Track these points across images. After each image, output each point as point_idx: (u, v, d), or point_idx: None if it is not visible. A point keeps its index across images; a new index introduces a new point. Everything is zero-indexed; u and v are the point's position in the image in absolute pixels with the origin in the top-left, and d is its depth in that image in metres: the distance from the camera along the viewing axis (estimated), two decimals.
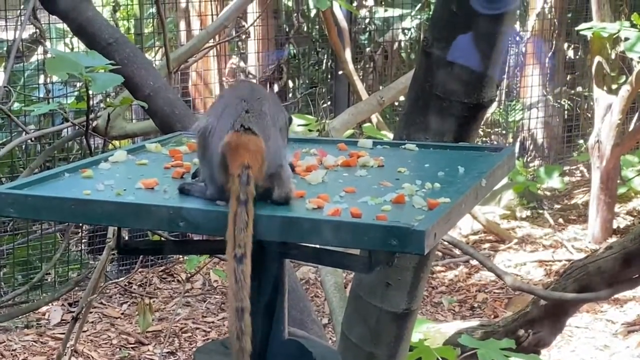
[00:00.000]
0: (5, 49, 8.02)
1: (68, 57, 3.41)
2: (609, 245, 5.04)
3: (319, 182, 2.60)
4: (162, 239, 3.68)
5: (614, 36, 8.12)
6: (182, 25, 8.53)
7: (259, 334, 2.58)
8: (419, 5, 9.86)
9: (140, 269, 7.97)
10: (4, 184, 2.52)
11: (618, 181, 8.61)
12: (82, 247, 8.32)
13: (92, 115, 6.58)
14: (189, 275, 7.57)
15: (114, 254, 7.61)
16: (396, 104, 8.67)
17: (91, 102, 7.76)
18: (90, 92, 3.50)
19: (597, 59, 8.30)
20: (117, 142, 7.12)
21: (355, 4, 8.81)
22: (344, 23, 7.75)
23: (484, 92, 3.18)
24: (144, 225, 2.49)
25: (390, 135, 7.18)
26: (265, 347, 2.62)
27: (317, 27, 9.62)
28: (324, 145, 3.02)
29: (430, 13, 9.88)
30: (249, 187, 2.21)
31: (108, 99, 7.75)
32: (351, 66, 7.73)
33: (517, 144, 9.91)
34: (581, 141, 10.19)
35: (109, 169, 2.74)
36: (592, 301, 6.05)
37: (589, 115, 10.22)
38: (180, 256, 8.12)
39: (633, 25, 7.56)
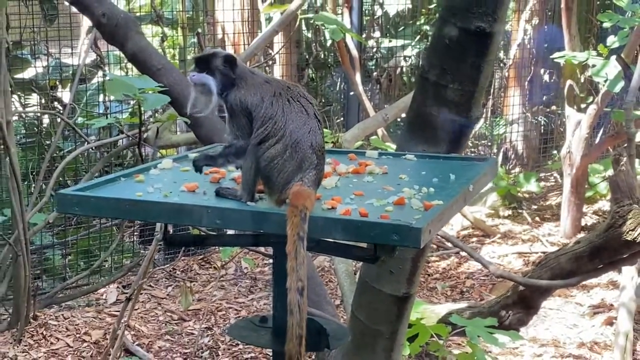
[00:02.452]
0: (70, 72, 8.05)
1: (124, 81, 3.44)
2: (577, 240, 5.02)
3: (333, 186, 2.63)
4: (201, 233, 3.71)
5: (583, 63, 8.11)
6: None
7: (284, 314, 2.59)
8: (417, 37, 9.85)
9: (182, 258, 7.99)
10: (70, 187, 2.54)
11: (586, 186, 8.57)
12: (134, 238, 8.34)
13: (143, 129, 6.61)
14: (223, 263, 7.62)
15: (160, 245, 7.65)
16: (398, 120, 8.65)
17: (143, 118, 7.81)
18: (142, 109, 3.52)
19: (569, 82, 8.28)
20: (164, 151, 7.16)
21: (364, 35, 8.81)
22: (354, 51, 7.74)
23: (472, 111, 3.19)
24: (186, 222, 2.51)
25: (394, 146, 7.19)
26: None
27: (332, 54, 9.61)
28: (337, 155, 3.04)
29: (427, 44, 9.88)
30: (305, 226, 2.25)
31: (157, 115, 7.78)
32: (361, 88, 7.73)
33: (501, 154, 9.90)
34: (555, 151, 10.16)
35: (157, 175, 2.79)
36: (563, 287, 6.02)
37: (562, 130, 10.19)
38: (216, 247, 8.14)
39: (599, 54, 7.54)
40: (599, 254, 4.77)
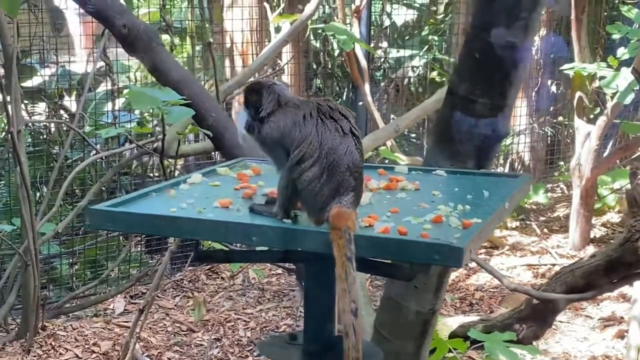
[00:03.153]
0: (76, 81, 8.04)
1: (147, 93, 3.41)
2: (593, 254, 4.99)
3: (367, 203, 2.60)
4: (227, 248, 3.69)
5: (592, 75, 8.12)
6: (227, 62, 8.52)
7: (316, 331, 2.58)
8: (425, 47, 9.84)
9: (190, 268, 7.96)
10: (102, 203, 2.52)
11: (595, 198, 8.56)
12: (141, 248, 8.31)
13: (153, 138, 6.60)
14: (232, 273, 7.60)
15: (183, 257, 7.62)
16: (406, 132, 8.65)
17: (160, 128, 7.79)
18: (153, 120, 3.50)
19: (578, 93, 8.26)
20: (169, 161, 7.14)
21: (372, 45, 8.79)
22: (363, 62, 7.74)
23: (500, 126, 3.17)
24: (222, 239, 2.51)
25: (403, 157, 7.17)
26: (320, 342, 2.62)
27: (340, 65, 9.60)
28: (366, 171, 3.01)
29: (435, 54, 9.88)
30: (352, 247, 2.22)
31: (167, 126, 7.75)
32: (370, 98, 7.72)
33: (508, 165, 9.88)
34: (562, 162, 10.15)
35: (188, 190, 2.76)
36: (577, 301, 6.00)
37: (569, 141, 10.19)
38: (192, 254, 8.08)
39: (609, 66, 7.54)
40: (615, 268, 4.75)
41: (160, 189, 2.73)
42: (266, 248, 2.80)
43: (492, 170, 3.24)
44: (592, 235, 8.54)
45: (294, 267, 4.12)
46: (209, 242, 2.86)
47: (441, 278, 3.40)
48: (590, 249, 8.28)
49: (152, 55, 3.93)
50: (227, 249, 3.67)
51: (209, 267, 8.10)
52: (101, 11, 3.91)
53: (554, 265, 8.00)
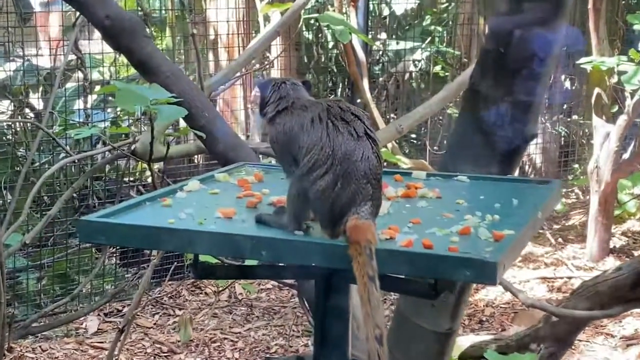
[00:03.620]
0: (44, 76, 7.98)
1: (135, 91, 3.38)
2: (618, 267, 5.00)
3: (385, 213, 2.59)
4: (221, 263, 3.66)
5: (610, 70, 8.14)
6: (211, 56, 8.50)
7: (328, 356, 2.56)
8: (428, 39, 9.84)
9: (170, 282, 7.92)
10: (93, 213, 2.49)
11: (614, 204, 8.57)
12: (116, 261, 8.26)
13: (129, 140, 6.56)
14: (218, 288, 7.55)
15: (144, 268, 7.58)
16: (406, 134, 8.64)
17: (137, 129, 7.76)
18: (129, 119, 3.47)
19: (597, 90, 8.27)
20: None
21: (369, 36, 8.78)
22: (362, 55, 7.71)
23: (527, 128, 3.17)
24: (226, 253, 2.49)
25: (405, 160, 7.15)
26: None
27: (335, 58, 9.60)
28: (382, 177, 3.00)
29: (439, 46, 9.87)
30: (374, 263, 2.20)
31: (136, 124, 7.72)
32: (368, 95, 7.70)
33: (518, 168, 9.88)
34: (576, 165, 10.17)
35: (185, 198, 2.75)
36: (601, 318, 6.01)
37: (584, 141, 10.21)
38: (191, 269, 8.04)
39: (630, 60, 7.55)
40: None
41: (153, 198, 2.72)
42: (264, 263, 2.78)
43: (521, 176, 3.22)
44: (611, 245, 8.54)
45: (296, 282, 4.09)
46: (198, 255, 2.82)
47: (460, 295, 3.38)
48: (610, 261, 8.29)
49: (139, 50, 3.90)
50: (223, 263, 3.65)
51: (191, 281, 8.06)
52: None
53: (570, 278, 8.01)
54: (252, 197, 2.73)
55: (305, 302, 3.88)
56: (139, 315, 7.35)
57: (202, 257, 4.16)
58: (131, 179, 8.58)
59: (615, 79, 8.54)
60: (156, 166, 8.26)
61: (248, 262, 4.27)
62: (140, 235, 2.42)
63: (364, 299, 2.20)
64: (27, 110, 8.11)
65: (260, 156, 4.51)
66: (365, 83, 7.72)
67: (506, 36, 3.06)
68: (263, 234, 2.36)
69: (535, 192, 2.85)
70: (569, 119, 10.32)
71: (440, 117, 9.86)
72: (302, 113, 2.49)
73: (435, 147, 9.35)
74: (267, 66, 8.55)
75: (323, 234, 2.37)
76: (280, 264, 2.77)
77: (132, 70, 8.06)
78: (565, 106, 10.32)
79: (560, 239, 9.01)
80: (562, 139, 10.27)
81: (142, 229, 2.41)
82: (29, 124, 7.70)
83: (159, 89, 3.47)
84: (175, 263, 7.49)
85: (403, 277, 2.50)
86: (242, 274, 3.01)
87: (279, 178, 3.02)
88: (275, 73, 8.64)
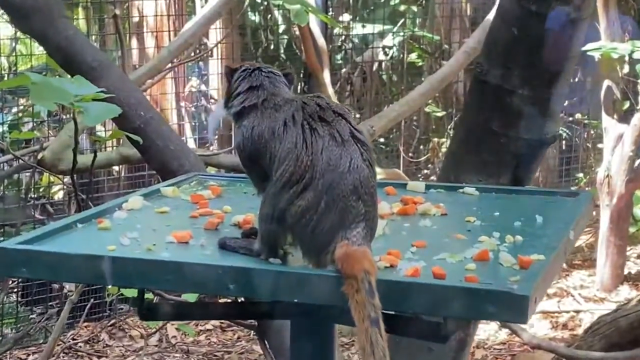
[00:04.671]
0: None
1: (54, 85, 3.28)
2: None
3: (380, 234, 2.54)
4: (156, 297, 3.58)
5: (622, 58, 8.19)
6: (135, 42, 8.41)
7: None
8: (401, 21, 9.83)
9: (85, 324, 7.82)
10: (12, 239, 2.41)
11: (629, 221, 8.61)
12: (17, 298, 8.13)
13: (35, 147, 6.46)
14: (147, 331, 7.46)
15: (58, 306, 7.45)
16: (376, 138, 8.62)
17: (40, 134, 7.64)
18: (34, 122, 3.38)
19: (607, 83, 8.30)
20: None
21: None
22: (321, 40, 7.68)
23: (546, 127, 3.15)
24: (184, 288, 2.44)
25: (378, 169, 7.11)
26: None
27: (286, 44, 9.56)
28: None
29: (413, 30, 9.87)
30: (375, 301, 2.15)
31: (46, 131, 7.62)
32: (331, 90, 7.66)
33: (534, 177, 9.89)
34: (580, 175, 10.21)
35: (126, 218, 2.69)
36: None
37: (589, 145, 10.26)
38: (132, 308, 7.97)
39: None
40: None
41: (87, 219, 2.65)
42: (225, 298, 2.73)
43: (544, 188, 3.21)
44: (625, 272, 8.58)
45: (255, 322, 4.02)
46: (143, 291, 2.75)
47: (464, 336, 3.34)
48: (624, 290, 8.33)
49: (56, 33, 3.82)
50: (164, 299, 3.57)
51: (112, 322, 7.96)
52: None
53: (578, 312, 8.03)
54: (211, 217, 2.67)
55: (268, 348, 3.80)
56: None
57: (127, 292, 4.12)
58: (34, 195, 8.44)
59: (626, 69, 8.59)
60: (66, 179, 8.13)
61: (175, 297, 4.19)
62: (72, 267, 2.33)
63: (366, 350, 2.13)
64: None
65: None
66: (327, 75, 7.69)
67: (520, 14, 3.02)
68: (230, 263, 2.29)
69: (561, 207, 2.83)
70: (570, 119, 10.36)
71: (415, 118, 9.85)
72: (273, 114, 2.44)
73: (410, 154, 9.33)
74: (204, 55, 8.48)
75: (306, 263, 2.31)
76: (241, 302, 2.73)
77: (36, 61, 7.95)
78: (566, 103, 10.37)
79: (564, 265, 9.04)
80: (564, 142, 10.30)
81: (75, 259, 2.33)
82: None
83: (83, 83, 3.38)
84: (93, 299, 7.37)
85: (405, 316, 2.46)
86: (200, 313, 2.94)
87: (241, 192, 2.97)
88: (214, 63, 8.57)
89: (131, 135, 3.63)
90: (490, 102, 3.14)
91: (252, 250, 2.38)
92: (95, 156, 4.17)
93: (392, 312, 2.36)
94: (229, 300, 2.82)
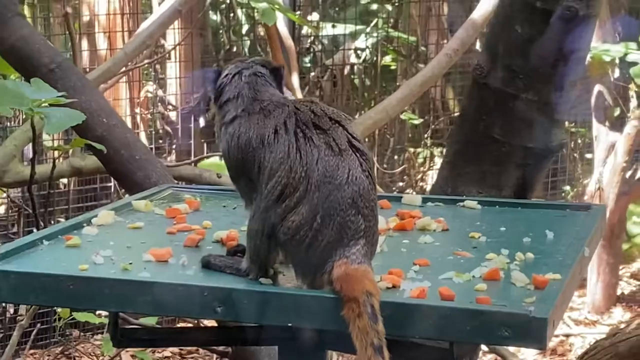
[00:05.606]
0: None
1: (9, 88, 3.25)
2: None
3: (378, 251, 2.52)
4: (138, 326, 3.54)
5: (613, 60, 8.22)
6: (85, 44, 8.35)
7: None
8: (374, 22, 9.83)
9: (32, 351, 7.74)
10: None
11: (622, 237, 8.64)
12: None
13: None
14: (105, 359, 7.39)
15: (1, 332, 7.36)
16: None
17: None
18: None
19: (598, 87, 8.33)
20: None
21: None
22: (289, 42, 7.65)
23: (552, 134, 3.15)
24: (165, 311, 2.42)
25: None
26: None
27: (250, 46, 9.55)
28: None
29: (387, 31, 9.86)
30: (379, 327, 2.13)
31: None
32: (299, 94, 7.64)
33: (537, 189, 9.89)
34: (567, 187, 10.24)
35: (97, 235, 2.66)
36: None
37: (577, 155, 10.28)
38: (83, 334, 7.92)
39: None
40: None
41: (53, 235, 2.61)
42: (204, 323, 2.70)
43: (553, 201, 3.23)
44: (618, 292, 8.60)
45: (229, 348, 4.00)
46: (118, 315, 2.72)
47: None
48: (618, 312, 8.35)
49: (9, 32, 3.78)
50: (137, 325, 3.54)
51: (60, 349, 7.88)
52: None
53: (567, 336, 8.04)
54: (191, 233, 2.65)
55: None
56: None
57: (79, 316, 4.09)
58: None
59: (617, 73, 8.63)
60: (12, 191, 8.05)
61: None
62: (40, 288, 2.30)
63: None
64: None
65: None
66: (295, 79, 7.67)
67: (524, 10, 3.01)
68: (217, 284, 2.27)
69: (572, 221, 2.84)
70: None
71: (385, 126, 9.84)
72: (262, 120, 2.41)
73: (384, 165, 9.32)
74: (161, 58, 8.43)
75: (299, 284, 2.29)
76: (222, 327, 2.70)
77: None
78: None
79: None
80: None
81: (43, 279, 2.30)
82: None
83: (42, 86, 3.36)
84: (40, 324, 7.31)
85: (407, 340, 2.44)
86: (180, 340, 2.91)
87: (220, 206, 2.95)
88: (172, 66, 8.53)
89: (94, 144, 3.59)
90: (491, 107, 3.13)
91: (240, 269, 2.35)
92: (54, 166, 4.12)
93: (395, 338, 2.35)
94: (209, 325, 2.76)
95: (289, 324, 2.24)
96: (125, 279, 2.29)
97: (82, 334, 7.97)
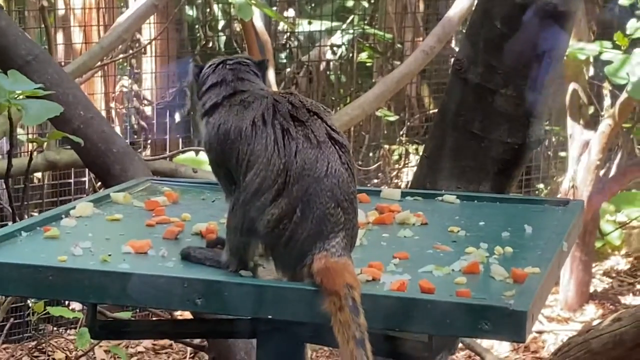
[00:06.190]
0: None
1: None
2: (617, 317, 5.02)
3: (357, 244, 2.53)
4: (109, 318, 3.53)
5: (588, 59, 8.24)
6: (60, 37, 8.31)
7: None
8: (350, 18, 9.83)
9: (4, 345, 7.70)
10: None
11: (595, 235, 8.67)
12: None
13: None
14: (71, 354, 7.37)
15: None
16: None
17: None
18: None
19: (573, 85, 8.36)
20: None
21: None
22: (265, 37, 7.64)
23: (530, 130, 3.15)
24: (145, 303, 2.40)
25: None
26: None
27: (226, 41, 9.53)
28: None
29: (364, 27, 9.86)
30: (361, 320, 2.13)
31: None
32: (275, 90, 7.63)
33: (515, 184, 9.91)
34: (541, 185, 10.27)
35: (75, 227, 2.65)
36: None
37: (550, 154, 10.31)
38: (57, 329, 7.90)
39: (615, 47, 7.62)
40: None
41: (31, 227, 2.60)
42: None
43: (531, 196, 3.25)
44: (592, 289, 8.63)
45: (205, 342, 3.99)
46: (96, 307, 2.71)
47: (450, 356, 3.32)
48: (590, 309, 8.38)
49: None
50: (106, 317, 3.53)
51: (34, 343, 7.85)
52: None
53: (540, 333, 8.05)
54: (170, 225, 2.64)
55: None
56: None
57: (53, 310, 4.09)
58: None
59: (591, 72, 8.66)
60: None
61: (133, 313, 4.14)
62: (19, 279, 2.29)
63: None
64: None
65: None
66: (271, 75, 7.65)
67: (505, 7, 3.02)
68: (197, 276, 2.27)
69: (550, 216, 2.85)
70: None
71: (361, 123, 9.84)
72: (241, 112, 2.41)
73: (359, 162, 9.32)
74: (137, 53, 8.41)
75: (280, 277, 2.29)
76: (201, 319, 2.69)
77: None
78: None
79: None
80: None
81: (23, 270, 2.28)
82: None
83: (19, 78, 3.34)
84: (13, 319, 7.28)
85: (385, 334, 2.44)
86: (158, 332, 2.90)
87: (199, 198, 2.95)
88: (147, 61, 8.50)
89: (71, 137, 3.58)
90: (470, 102, 3.14)
91: (220, 261, 2.35)
92: (30, 159, 4.08)
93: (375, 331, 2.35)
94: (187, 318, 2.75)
95: (270, 317, 2.23)
96: (105, 270, 2.28)
97: (55, 328, 7.94)
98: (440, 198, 2.97)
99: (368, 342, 2.13)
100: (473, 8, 3.36)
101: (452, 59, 3.24)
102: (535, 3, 3.01)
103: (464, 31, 3.31)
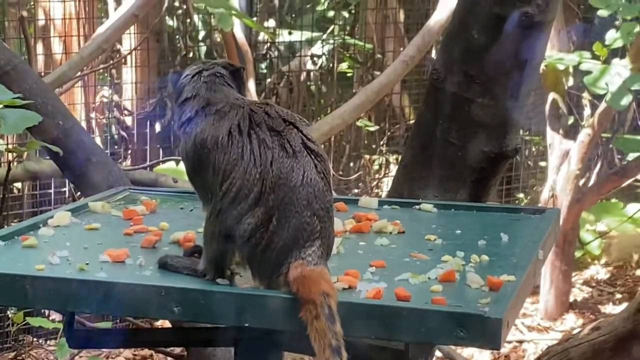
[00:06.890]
0: None
1: None
2: (595, 326, 5.04)
3: (334, 253, 2.55)
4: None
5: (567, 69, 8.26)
6: (40, 47, 8.29)
7: None
8: (330, 28, 9.83)
9: None
10: None
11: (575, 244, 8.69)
12: None
13: None
14: None
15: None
16: None
17: None
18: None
19: (552, 95, 8.38)
20: None
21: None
22: (246, 47, 7.65)
23: (507, 139, 3.16)
24: (122, 312, 2.40)
25: None
26: None
27: (206, 52, 9.52)
28: None
29: (344, 38, 9.87)
30: (337, 328, 2.14)
31: None
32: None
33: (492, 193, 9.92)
34: (521, 195, 10.29)
35: (53, 236, 2.66)
36: None
37: (531, 163, 10.34)
38: (37, 339, 7.88)
39: (595, 57, 7.65)
40: (627, 345, 4.81)
41: (9, 236, 2.61)
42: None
43: (508, 205, 3.26)
44: (571, 299, 8.65)
45: (185, 351, 3.99)
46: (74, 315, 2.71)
47: None
48: (570, 318, 8.39)
49: None
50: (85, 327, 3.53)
51: (13, 354, 7.83)
52: None
53: (521, 342, 8.06)
54: (148, 234, 2.65)
55: None
56: None
57: (33, 321, 4.08)
58: None
59: (571, 82, 8.68)
60: None
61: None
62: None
63: None
64: None
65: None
66: (251, 85, 7.66)
67: (482, 18, 3.03)
68: (174, 284, 2.27)
69: (526, 224, 2.86)
70: None
71: (341, 132, 9.85)
72: (217, 121, 2.42)
73: (340, 172, 9.32)
74: (117, 63, 8.40)
75: (256, 285, 2.30)
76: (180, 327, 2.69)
77: None
78: None
79: None
80: None
81: (2, 280, 2.29)
82: None
83: None
84: None
85: (360, 341, 2.44)
86: (137, 341, 2.90)
87: (177, 207, 2.95)
88: (127, 71, 8.49)
89: (50, 146, 3.58)
90: (447, 111, 3.15)
91: (197, 270, 2.36)
92: (9, 169, 4.08)
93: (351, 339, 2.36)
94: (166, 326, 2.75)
95: (246, 325, 2.24)
96: (82, 279, 2.29)
97: (35, 339, 7.92)
98: (417, 207, 2.99)
99: (344, 350, 2.14)
100: (450, 18, 3.36)
101: (431, 69, 3.25)
102: (511, 13, 3.01)
103: (442, 41, 3.32)
